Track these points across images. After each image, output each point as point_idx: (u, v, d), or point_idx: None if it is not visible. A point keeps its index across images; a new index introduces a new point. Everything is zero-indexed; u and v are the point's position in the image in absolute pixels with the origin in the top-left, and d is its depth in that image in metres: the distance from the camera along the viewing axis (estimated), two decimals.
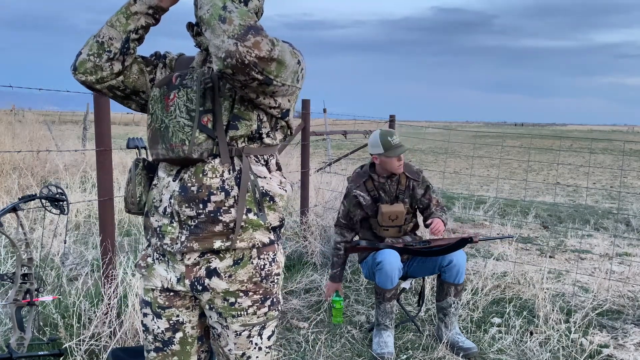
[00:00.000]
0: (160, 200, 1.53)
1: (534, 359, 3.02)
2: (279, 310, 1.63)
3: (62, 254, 4.27)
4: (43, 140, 9.48)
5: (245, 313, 1.53)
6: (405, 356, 3.04)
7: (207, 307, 1.56)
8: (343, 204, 3.30)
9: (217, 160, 1.48)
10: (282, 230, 1.62)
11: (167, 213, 1.51)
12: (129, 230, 5.44)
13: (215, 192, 1.47)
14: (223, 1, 1.32)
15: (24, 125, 9.89)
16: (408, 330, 3.38)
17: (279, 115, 1.54)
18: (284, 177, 1.62)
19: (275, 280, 1.58)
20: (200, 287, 1.52)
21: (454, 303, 3.13)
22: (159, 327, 1.59)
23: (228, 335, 1.57)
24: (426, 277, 3.47)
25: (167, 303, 1.58)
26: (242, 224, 1.48)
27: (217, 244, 1.48)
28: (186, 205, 1.47)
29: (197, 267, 1.52)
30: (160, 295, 1.58)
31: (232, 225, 1.48)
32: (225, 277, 1.51)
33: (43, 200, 2.40)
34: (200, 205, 1.46)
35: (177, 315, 1.59)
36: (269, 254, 1.55)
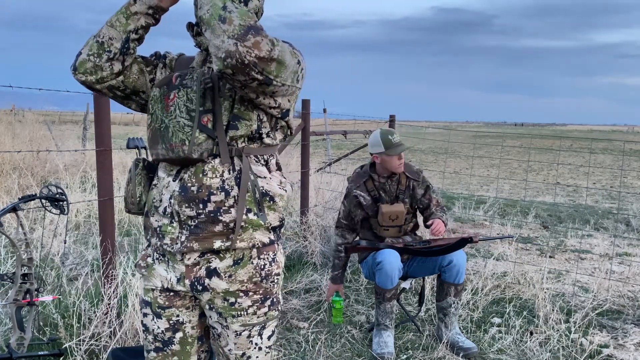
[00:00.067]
0: (160, 200, 1.53)
1: (534, 359, 3.02)
2: (279, 310, 1.63)
3: (62, 254, 4.27)
4: (43, 140, 9.48)
5: (245, 313, 1.53)
6: (405, 356, 3.04)
7: (207, 307, 1.56)
8: (343, 205, 3.30)
9: (217, 160, 1.48)
10: (282, 230, 1.62)
11: (167, 213, 1.51)
12: (129, 230, 5.45)
13: (215, 192, 1.47)
14: (223, 1, 1.32)
15: (24, 125, 9.89)
16: (408, 330, 3.38)
17: (279, 115, 1.54)
18: (284, 177, 1.62)
19: (275, 280, 1.58)
20: (200, 287, 1.52)
21: (454, 303, 3.13)
22: (159, 327, 1.59)
23: (228, 335, 1.57)
24: (426, 277, 3.47)
25: (167, 303, 1.58)
26: (242, 224, 1.48)
27: (217, 244, 1.48)
28: (186, 205, 1.47)
29: (197, 267, 1.52)
30: (160, 295, 1.58)
31: (232, 225, 1.48)
32: (225, 277, 1.51)
33: (43, 200, 2.40)
34: (200, 205, 1.46)
35: (177, 315, 1.59)
36: (269, 254, 1.55)
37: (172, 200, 1.50)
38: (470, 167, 14.35)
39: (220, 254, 1.51)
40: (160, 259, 1.58)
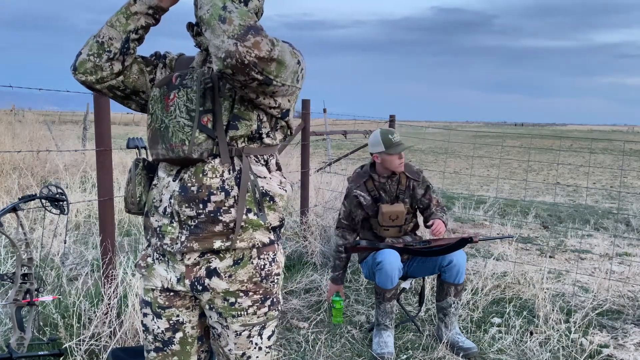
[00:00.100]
0: (160, 200, 1.53)
1: (534, 359, 3.02)
2: (279, 310, 1.63)
3: (62, 254, 4.27)
4: (43, 140, 9.48)
5: (245, 313, 1.53)
6: (405, 356, 3.04)
7: (207, 307, 1.56)
8: (344, 205, 3.30)
9: (217, 160, 1.48)
10: (282, 230, 1.62)
11: (167, 213, 1.51)
12: (129, 230, 5.45)
13: (215, 192, 1.47)
14: (223, 1, 1.32)
15: (24, 125, 9.89)
16: (408, 330, 3.38)
17: (279, 115, 1.54)
18: (284, 177, 1.62)
19: (275, 280, 1.58)
20: (200, 287, 1.52)
21: (454, 303, 3.13)
22: (159, 327, 1.59)
23: (228, 335, 1.57)
24: (426, 277, 3.47)
25: (167, 303, 1.58)
26: (242, 224, 1.48)
27: (217, 244, 1.48)
28: (186, 205, 1.47)
29: (197, 267, 1.52)
30: (160, 295, 1.58)
31: (232, 225, 1.48)
32: (225, 277, 1.51)
33: (43, 200, 2.40)
34: (200, 205, 1.46)
35: (177, 315, 1.59)
36: (269, 254, 1.55)
37: (172, 200, 1.50)
38: (470, 167, 14.35)
39: (220, 254, 1.51)
40: (160, 259, 1.58)
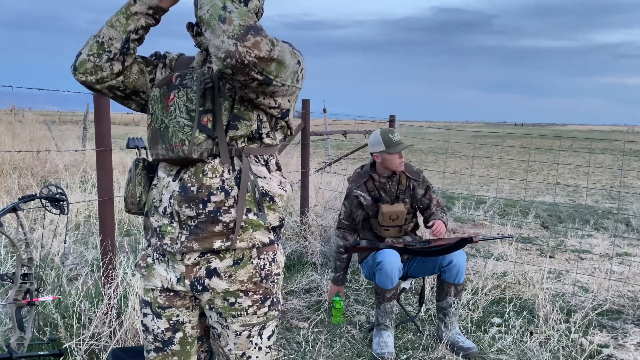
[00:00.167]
0: (160, 200, 1.53)
1: (534, 359, 3.02)
2: (279, 310, 1.63)
3: (62, 254, 4.27)
4: (43, 140, 9.48)
5: (245, 313, 1.53)
6: (405, 356, 3.04)
7: (207, 307, 1.56)
8: (344, 205, 3.30)
9: (217, 161, 1.48)
10: (282, 230, 1.62)
11: (167, 213, 1.51)
12: (129, 230, 5.45)
13: (215, 192, 1.47)
14: (223, 1, 1.32)
15: (24, 125, 9.89)
16: (408, 330, 3.38)
17: (279, 116, 1.54)
18: (284, 177, 1.62)
19: (275, 280, 1.58)
20: (200, 287, 1.52)
21: (454, 303, 3.13)
22: (159, 327, 1.59)
23: (228, 335, 1.57)
24: (426, 277, 3.47)
25: (167, 303, 1.58)
26: (242, 224, 1.48)
27: (217, 244, 1.48)
28: (186, 205, 1.47)
29: (197, 267, 1.52)
30: (160, 295, 1.58)
31: (232, 225, 1.48)
32: (225, 277, 1.51)
33: (43, 200, 2.40)
34: (200, 205, 1.46)
35: (177, 315, 1.59)
36: (269, 254, 1.55)
37: (172, 200, 1.50)
38: (470, 167, 14.35)
39: (220, 254, 1.51)
40: (160, 259, 1.58)
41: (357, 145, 8.86)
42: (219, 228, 1.47)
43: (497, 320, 3.53)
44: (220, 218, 1.47)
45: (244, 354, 1.59)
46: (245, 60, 1.28)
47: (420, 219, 3.39)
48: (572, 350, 3.08)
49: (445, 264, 3.08)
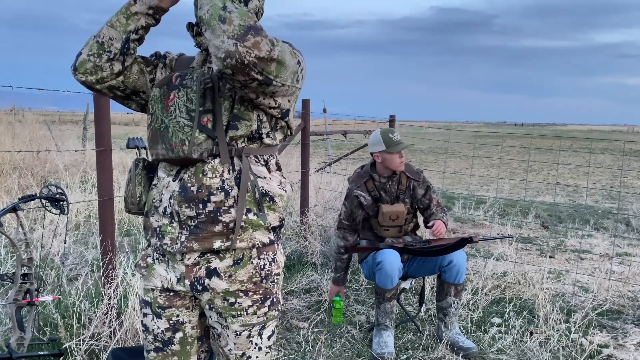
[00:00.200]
0: (160, 200, 1.53)
1: (534, 359, 3.02)
2: (279, 310, 1.63)
3: (62, 254, 4.27)
4: (43, 140, 9.48)
5: (245, 313, 1.53)
6: (405, 356, 3.04)
7: (207, 307, 1.56)
8: (344, 205, 3.30)
9: (217, 161, 1.48)
10: (282, 230, 1.62)
11: (167, 213, 1.51)
12: (129, 230, 5.45)
13: (215, 192, 1.47)
14: (223, 1, 1.32)
15: (24, 125, 9.89)
16: (408, 330, 3.38)
17: (279, 116, 1.54)
18: (284, 177, 1.62)
19: (275, 280, 1.58)
20: (200, 287, 1.52)
21: (454, 303, 3.13)
22: (159, 327, 1.59)
23: (228, 335, 1.57)
24: (426, 277, 3.47)
25: (167, 303, 1.58)
26: (242, 224, 1.48)
27: (217, 244, 1.48)
28: (186, 205, 1.47)
29: (197, 267, 1.52)
30: (160, 295, 1.58)
31: (232, 225, 1.48)
32: (225, 277, 1.51)
33: (43, 200, 2.40)
34: (200, 206, 1.46)
35: (177, 315, 1.59)
36: (268, 254, 1.55)
37: (172, 200, 1.50)
38: (470, 167, 14.35)
39: (220, 254, 1.51)
40: (160, 259, 1.58)
41: (357, 145, 8.86)
42: (218, 228, 1.47)
43: (497, 320, 3.53)
44: (220, 218, 1.47)
45: (243, 354, 1.59)
46: (245, 60, 1.28)
47: (421, 219, 3.39)
48: (572, 350, 3.08)
49: (445, 264, 3.08)
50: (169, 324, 1.59)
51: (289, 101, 1.52)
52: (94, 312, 2.84)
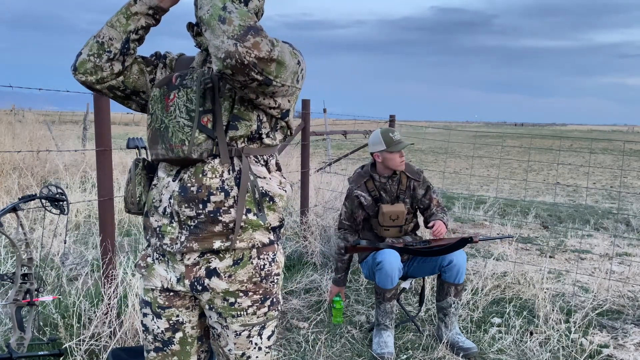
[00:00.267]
0: (160, 201, 1.53)
1: (534, 359, 3.02)
2: (279, 310, 1.63)
3: (62, 254, 4.27)
4: (43, 140, 9.48)
5: (245, 313, 1.53)
6: (405, 356, 3.04)
7: (206, 307, 1.56)
8: (345, 206, 3.29)
9: (216, 161, 1.48)
10: (282, 230, 1.62)
11: (166, 213, 1.51)
12: (129, 230, 5.45)
13: (214, 192, 1.47)
14: (223, 2, 1.32)
15: (24, 125, 9.89)
16: (408, 330, 3.38)
17: (279, 116, 1.54)
18: (284, 178, 1.62)
19: (275, 280, 1.58)
20: (200, 287, 1.52)
21: (454, 303, 3.13)
22: (158, 327, 1.59)
23: (228, 335, 1.57)
24: (426, 277, 3.47)
25: (167, 303, 1.58)
26: (242, 224, 1.48)
27: (217, 244, 1.48)
28: (186, 205, 1.47)
29: (197, 267, 1.52)
30: (160, 295, 1.58)
31: (231, 225, 1.48)
32: (225, 277, 1.51)
33: (43, 200, 2.40)
34: (200, 206, 1.46)
35: (177, 315, 1.59)
36: (268, 254, 1.55)
37: (171, 201, 1.50)
38: (470, 167, 14.35)
39: (220, 254, 1.51)
40: (160, 259, 1.58)
41: (357, 145, 8.86)
42: (218, 228, 1.47)
43: (497, 320, 3.53)
44: (220, 218, 1.47)
45: (243, 354, 1.59)
46: (245, 60, 1.28)
47: (421, 219, 3.39)
48: (572, 350, 3.08)
49: (445, 264, 3.08)
50: (168, 324, 1.59)
51: (289, 101, 1.52)
52: (94, 312, 2.84)
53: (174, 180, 1.51)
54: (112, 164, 2.93)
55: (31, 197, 2.41)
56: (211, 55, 1.34)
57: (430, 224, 3.12)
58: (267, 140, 1.54)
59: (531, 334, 3.30)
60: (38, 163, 8.02)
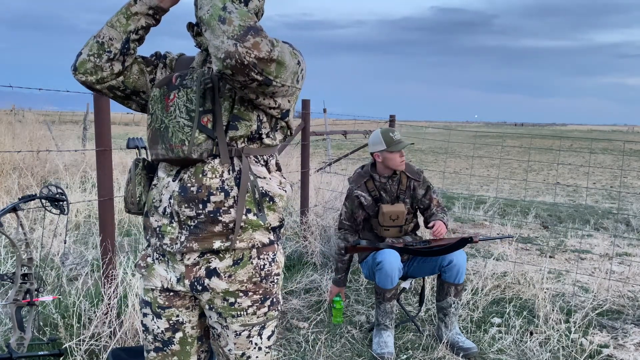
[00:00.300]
0: (160, 201, 1.53)
1: (534, 359, 3.02)
2: (279, 310, 1.63)
3: (62, 254, 4.27)
4: (43, 140, 9.48)
5: (245, 313, 1.54)
6: (405, 356, 3.04)
7: (206, 307, 1.56)
8: (345, 206, 3.29)
9: (216, 161, 1.48)
10: (282, 230, 1.62)
11: (166, 213, 1.51)
12: (129, 230, 5.45)
13: (214, 192, 1.47)
14: (223, 2, 1.32)
15: (24, 125, 9.89)
16: (408, 330, 3.38)
17: (279, 116, 1.54)
18: (284, 178, 1.62)
19: (275, 280, 1.58)
20: (200, 287, 1.52)
21: (454, 303, 3.13)
22: (158, 327, 1.59)
23: (228, 335, 1.57)
24: (426, 277, 3.47)
25: (167, 303, 1.58)
26: (242, 224, 1.48)
27: (217, 244, 1.48)
28: (186, 205, 1.47)
29: (197, 267, 1.52)
30: (160, 295, 1.58)
31: (231, 225, 1.48)
32: (225, 277, 1.51)
33: (43, 200, 2.40)
34: (200, 206, 1.46)
35: (177, 315, 1.59)
36: (268, 254, 1.55)
37: (171, 201, 1.50)
38: (470, 167, 14.35)
39: (220, 254, 1.51)
40: (160, 259, 1.58)
41: (357, 145, 8.86)
42: (218, 228, 1.47)
43: (497, 320, 3.53)
44: (220, 218, 1.47)
45: (243, 354, 1.59)
46: (245, 60, 1.28)
47: (421, 219, 3.39)
48: (572, 350, 3.08)
49: (445, 264, 3.08)
50: (168, 324, 1.59)
51: (289, 101, 1.52)
52: (94, 312, 2.84)
53: (174, 180, 1.51)
54: (112, 164, 2.93)
55: (31, 197, 2.41)
56: (211, 55, 1.34)
57: (430, 224, 3.12)
58: (267, 141, 1.54)
59: (531, 334, 3.31)
60: (38, 163, 8.02)
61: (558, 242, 5.88)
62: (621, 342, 3.24)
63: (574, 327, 3.29)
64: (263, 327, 1.58)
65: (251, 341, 1.57)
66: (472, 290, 3.91)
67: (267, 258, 1.55)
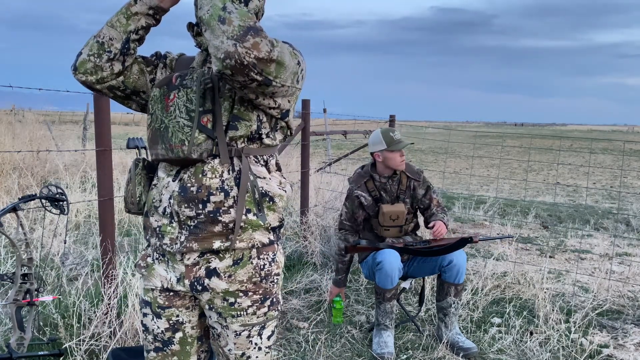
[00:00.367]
0: (160, 201, 1.53)
1: (534, 359, 3.02)
2: (279, 310, 1.63)
3: (62, 254, 4.27)
4: (43, 140, 9.48)
5: (244, 313, 1.54)
6: (405, 356, 3.04)
7: (206, 307, 1.56)
8: (345, 206, 3.29)
9: (216, 161, 1.48)
10: (282, 230, 1.62)
11: (166, 213, 1.51)
12: (129, 230, 5.45)
13: (214, 192, 1.47)
14: (223, 2, 1.32)
15: (24, 125, 9.89)
16: (408, 330, 3.38)
17: (279, 116, 1.54)
18: (284, 178, 1.62)
19: (275, 280, 1.58)
20: (199, 287, 1.52)
21: (454, 303, 3.13)
22: (158, 327, 1.59)
23: (228, 335, 1.57)
24: (426, 277, 3.47)
25: (166, 303, 1.58)
26: (242, 224, 1.48)
27: (217, 244, 1.48)
28: (185, 205, 1.47)
29: (197, 267, 1.52)
30: (160, 295, 1.58)
31: (231, 225, 1.48)
32: (224, 277, 1.51)
33: (43, 200, 2.40)
34: (200, 206, 1.46)
35: (177, 315, 1.59)
36: (268, 254, 1.55)
37: (171, 201, 1.50)
38: (470, 167, 14.35)
39: (220, 254, 1.51)
40: (160, 259, 1.58)
41: (357, 145, 8.86)
42: (218, 228, 1.47)
43: (497, 320, 3.53)
44: (220, 218, 1.47)
45: (243, 354, 1.59)
46: (245, 61, 1.28)
47: (421, 219, 3.39)
48: (572, 350, 3.08)
49: (445, 264, 3.08)
50: (168, 324, 1.59)
51: (289, 101, 1.52)
52: (94, 312, 2.84)
53: (173, 180, 1.51)
54: (112, 164, 2.93)
55: (31, 197, 2.41)
56: (211, 56, 1.34)
57: (430, 224, 3.12)
58: (267, 141, 1.55)
59: (531, 334, 3.31)
60: (38, 163, 8.02)
61: (558, 242, 5.88)
62: (621, 342, 3.25)
63: (574, 327, 3.29)
64: (263, 327, 1.58)
65: (251, 341, 1.57)
66: (472, 290, 3.91)
67: (267, 258, 1.55)
